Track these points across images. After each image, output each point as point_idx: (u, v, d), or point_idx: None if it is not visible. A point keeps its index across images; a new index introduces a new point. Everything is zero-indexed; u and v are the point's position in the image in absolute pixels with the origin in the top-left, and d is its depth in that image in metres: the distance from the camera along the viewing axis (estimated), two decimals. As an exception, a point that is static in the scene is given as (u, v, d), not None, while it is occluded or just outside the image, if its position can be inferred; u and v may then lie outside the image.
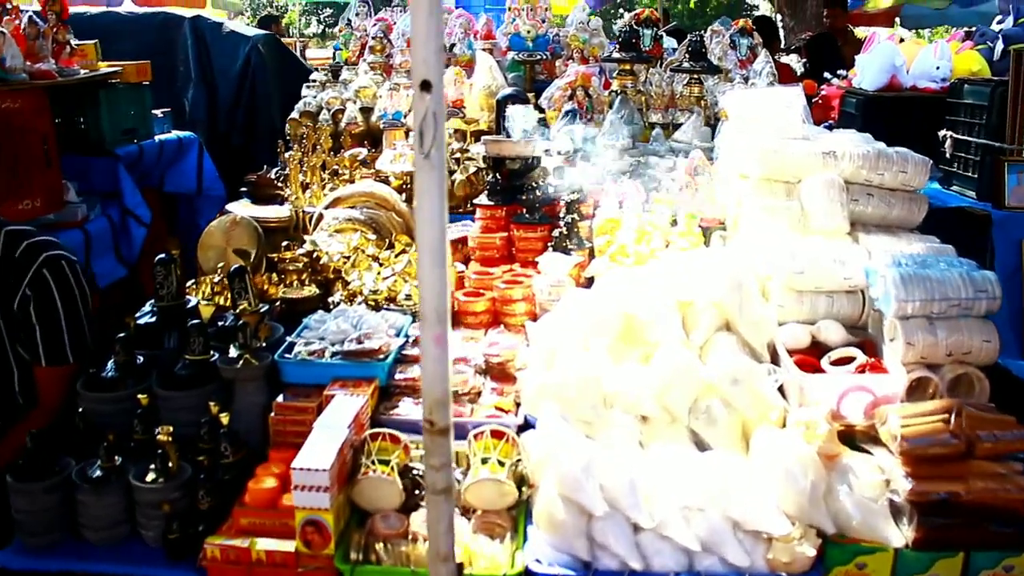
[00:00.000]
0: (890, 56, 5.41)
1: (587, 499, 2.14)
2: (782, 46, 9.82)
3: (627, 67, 4.71)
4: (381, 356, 2.79)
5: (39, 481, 2.43)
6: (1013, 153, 4.11)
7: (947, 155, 4.55)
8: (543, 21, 5.02)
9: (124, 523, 2.49)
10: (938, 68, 5.11)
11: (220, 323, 3.07)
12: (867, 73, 5.48)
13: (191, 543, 2.36)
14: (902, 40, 5.81)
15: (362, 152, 4.36)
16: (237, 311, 2.84)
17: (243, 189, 4.08)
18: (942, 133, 4.59)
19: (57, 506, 2.45)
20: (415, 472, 2.47)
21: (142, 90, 5.29)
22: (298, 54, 7.39)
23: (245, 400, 2.74)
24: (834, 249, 2.75)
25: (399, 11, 6.01)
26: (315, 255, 3.48)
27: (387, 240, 3.66)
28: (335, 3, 18.01)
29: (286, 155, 4.04)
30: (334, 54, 6.54)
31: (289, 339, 2.92)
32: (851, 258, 2.72)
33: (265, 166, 4.27)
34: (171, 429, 2.48)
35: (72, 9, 6.33)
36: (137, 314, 3.10)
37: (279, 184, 4.05)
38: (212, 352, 2.82)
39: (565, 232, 3.35)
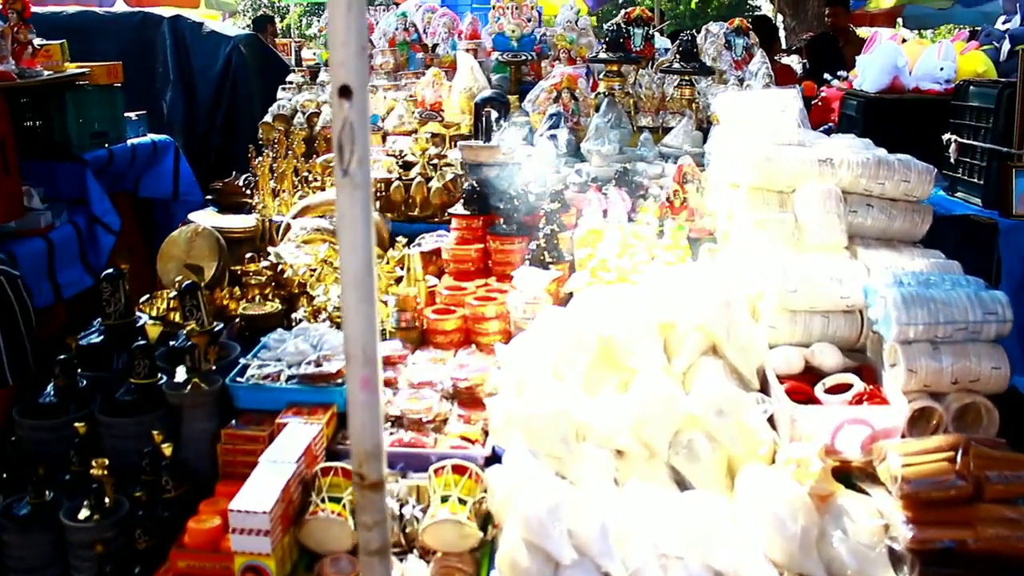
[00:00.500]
0: (892, 57, 5.22)
1: (553, 546, 1.94)
2: (783, 47, 9.61)
3: (615, 68, 4.49)
4: (339, 380, 2.58)
5: (-42, 520, 2.24)
6: (1021, 159, 3.90)
7: (951, 160, 4.35)
8: (529, 20, 4.81)
9: (54, 565, 2.30)
10: (942, 69, 4.91)
11: (172, 343, 2.86)
12: (868, 74, 5.29)
13: (126, 588, 2.16)
14: (905, 40, 5.58)
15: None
16: (185, 331, 2.63)
17: (208, 197, 3.87)
18: (946, 137, 4.39)
19: (-21, 547, 2.26)
20: (371, 510, 2.25)
21: (113, 92, 5.08)
22: (294, 55, 7.19)
23: (193, 428, 2.55)
24: (830, 266, 2.54)
25: (381, 10, 5.81)
26: (279, 268, 3.27)
27: (357, 251, 3.45)
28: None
29: (256, 161, 3.84)
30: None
31: (243, 360, 2.71)
32: (849, 276, 2.51)
33: (234, 172, 4.07)
34: (106, 462, 2.29)
35: (47, 8, 6.17)
36: (83, 333, 2.89)
37: (247, 192, 3.84)
38: (160, 375, 2.63)
39: (544, 244, 3.14)
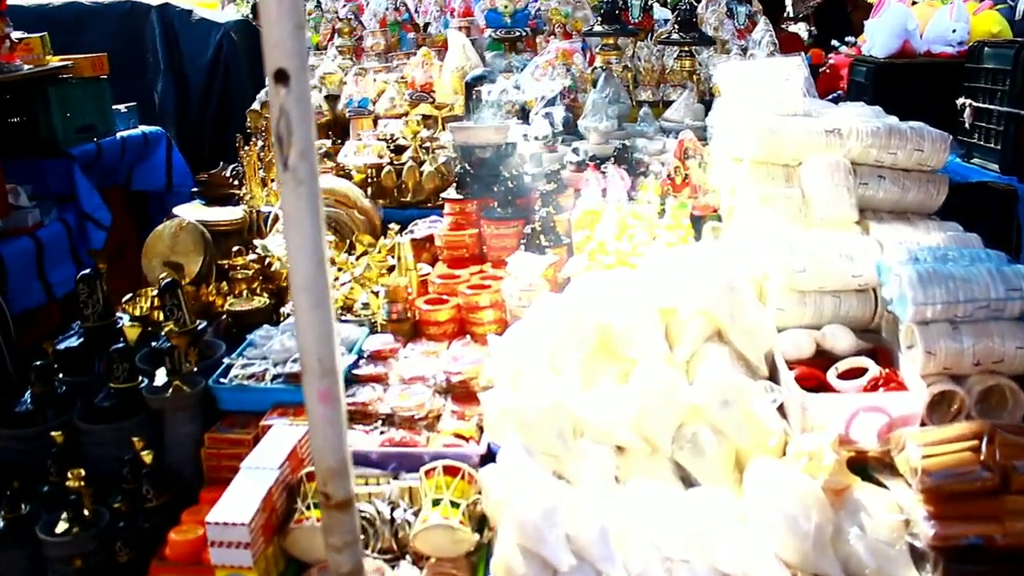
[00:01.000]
0: (902, 19, 5.04)
1: (550, 551, 1.82)
2: (789, 14, 9.39)
3: (611, 41, 4.32)
4: (326, 379, 2.46)
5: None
6: (1040, 121, 3.74)
7: (966, 125, 4.20)
8: (523, -6, 4.65)
9: (31, 582, 2.19)
10: (954, 31, 4.73)
11: (155, 343, 2.75)
12: (877, 39, 5.12)
13: (107, 604, 2.06)
14: (915, 2, 5.39)
15: (324, 144, 4.02)
16: (164, 332, 2.52)
17: (194, 189, 3.75)
18: (960, 101, 4.23)
19: (-47, 564, 2.16)
20: (362, 515, 2.14)
21: (100, 84, 4.96)
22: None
23: (176, 432, 2.44)
24: (840, 242, 2.39)
25: (372, -10, 5.65)
26: (267, 261, 3.15)
27: (348, 241, 3.33)
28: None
29: (244, 150, 3.70)
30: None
31: (227, 360, 2.60)
32: (860, 252, 2.36)
33: (221, 163, 3.93)
34: (82, 473, 2.18)
35: (31, 0, 6.03)
36: (61, 337, 2.78)
37: (234, 183, 3.71)
38: (140, 379, 2.52)
39: (540, 228, 3.00)
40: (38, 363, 2.52)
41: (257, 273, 3.12)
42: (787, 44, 5.73)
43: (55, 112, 4.55)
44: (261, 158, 3.79)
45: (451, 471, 2.10)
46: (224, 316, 3.01)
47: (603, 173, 3.32)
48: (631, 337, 2.26)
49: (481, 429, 2.35)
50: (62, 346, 2.70)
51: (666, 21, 5.14)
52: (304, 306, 1.20)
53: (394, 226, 3.22)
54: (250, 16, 7.12)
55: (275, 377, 2.51)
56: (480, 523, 2.10)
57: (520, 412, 2.09)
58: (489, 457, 2.26)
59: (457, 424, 2.38)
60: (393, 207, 3.72)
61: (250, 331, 2.78)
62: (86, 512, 2.18)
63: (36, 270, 4.24)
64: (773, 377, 2.30)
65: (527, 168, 3.46)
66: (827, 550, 1.81)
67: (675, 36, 4.25)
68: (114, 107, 5.20)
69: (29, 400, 2.51)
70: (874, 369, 2.20)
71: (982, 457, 1.80)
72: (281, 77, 1.10)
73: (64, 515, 2.17)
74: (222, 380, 2.51)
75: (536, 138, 3.60)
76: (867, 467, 2.02)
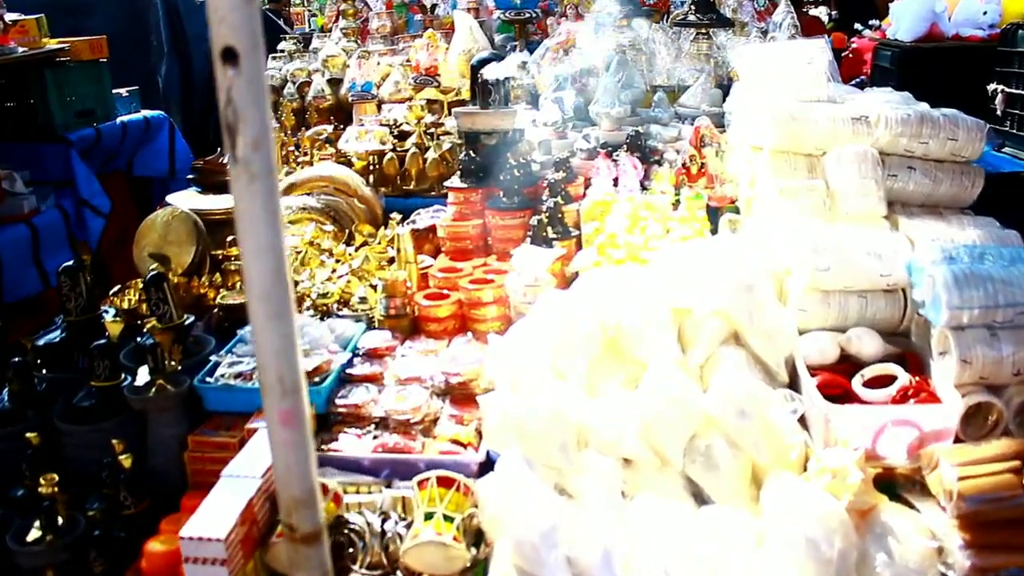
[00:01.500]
0: (929, 1, 4.84)
1: (549, 575, 1.67)
2: (809, -3, 9.15)
3: (625, 23, 4.14)
4: (317, 379, 2.32)
5: None
6: (1078, 109, 3.55)
7: (998, 113, 4.00)
8: (533, -26, 4.47)
9: (2, 593, 2.07)
10: (985, 13, 4.54)
11: (140, 339, 2.62)
12: (903, 22, 4.93)
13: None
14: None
15: (325, 130, 3.87)
16: (147, 328, 2.39)
17: (189, 176, 3.61)
18: (992, 87, 4.02)
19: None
20: (351, 527, 2.01)
21: (99, 67, 4.83)
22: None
23: (159, 434, 2.32)
24: (868, 239, 2.23)
25: (381, -30, 5.48)
26: (261, 252, 3.00)
27: (347, 231, 3.19)
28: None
29: (241, 135, 3.56)
30: (309, 21, 6.00)
31: (214, 358, 2.46)
32: (890, 250, 2.19)
33: (219, 148, 3.79)
34: (56, 478, 2.05)
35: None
36: (43, 331, 2.66)
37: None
38: (124, 376, 2.39)
39: (547, 219, 2.84)
40: (16, 360, 2.39)
41: (251, 264, 2.98)
42: (808, 27, 5.54)
43: (52, 96, 4.43)
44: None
45: (446, 482, 1.96)
46: (216, 310, 2.87)
47: (615, 161, 3.16)
48: (641, 338, 2.11)
49: (480, 435, 2.21)
50: (42, 341, 2.57)
51: (682, 2, 4.96)
52: (262, 316, 1.05)
53: (396, 215, 3.07)
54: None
55: (264, 377, 2.37)
56: (477, 537, 1.96)
57: (520, 421, 1.95)
58: (488, 465, 2.11)
59: (455, 429, 2.23)
60: (395, 195, 3.57)
61: (242, 326, 2.65)
62: (60, 519, 2.05)
63: (32, 257, 4.13)
64: (793, 384, 2.15)
65: (535, 156, 3.30)
66: (851, 577, 1.67)
67: (692, 18, 4.06)
68: (115, 91, 5.07)
69: (6, 398, 2.38)
70: (903, 377, 2.04)
71: (1024, 479, 1.64)
72: (229, 56, 0.96)
73: (37, 523, 2.04)
74: (208, 379, 2.38)
75: (545, 124, 3.44)
76: (895, 486, 1.86)
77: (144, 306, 2.81)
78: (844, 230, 2.29)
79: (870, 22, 5.81)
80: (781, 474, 1.85)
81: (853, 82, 4.95)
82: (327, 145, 3.70)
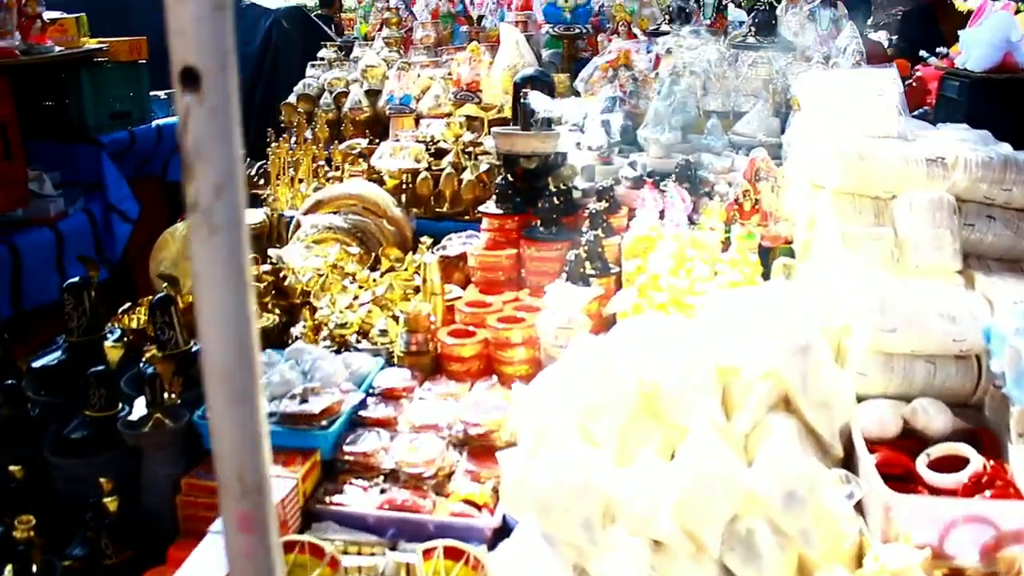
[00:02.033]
0: (1005, 29, 4.55)
1: (564, 675, 1.46)
2: (869, 22, 8.84)
3: (680, 43, 3.92)
4: (325, 422, 2.15)
5: None
6: None
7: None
8: (585, -12, 4.26)
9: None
10: (1067, 45, 4.22)
11: (142, 365, 2.46)
12: (974, 50, 4.63)
13: None
14: (1020, 11, 4.87)
15: (360, 144, 3.70)
16: (146, 357, 2.23)
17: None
18: (1073, 126, 3.71)
19: None
20: (349, 595, 1.82)
21: (137, 69, 4.74)
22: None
23: (153, 472, 2.16)
24: (941, 298, 1.99)
25: (427, -21, 5.32)
26: (281, 273, 2.85)
27: (373, 255, 3.01)
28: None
29: (272, 146, 3.41)
30: (356, 29, 5.86)
31: (219, 391, 2.29)
32: (965, 312, 1.95)
33: (248, 159, 3.65)
34: (32, 521, 1.89)
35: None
36: (42, 352, 2.51)
37: (259, 182, 3.42)
38: (121, 406, 2.23)
39: (585, 253, 2.63)
40: (8, 383, 2.25)
41: (270, 287, 2.82)
42: (870, 53, 5.26)
43: (87, 96, 4.33)
44: (290, 156, 3.50)
45: (454, 554, 1.77)
46: (228, 334, 2.71)
47: (662, 192, 2.94)
48: (681, 400, 1.89)
49: (497, 494, 2.01)
50: (41, 362, 2.42)
51: (741, 23, 4.71)
52: (221, 401, 0.86)
53: (426, 239, 2.88)
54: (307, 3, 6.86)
55: (269, 416, 2.19)
56: (488, 616, 1.76)
57: (541, 490, 1.74)
58: (504, 531, 1.92)
59: (470, 487, 2.04)
60: (427, 218, 3.38)
61: (256, 353, 2.48)
62: (34, 567, 1.89)
63: (55, 263, 4.03)
64: (849, 458, 1.91)
65: (577, 181, 3.10)
66: None
67: (751, 40, 3.82)
68: (153, 93, 4.98)
69: (-6, 426, 2.24)
70: (976, 461, 1.80)
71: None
72: (189, 79, 0.77)
73: (7, 569, 1.89)
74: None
75: (590, 148, 3.23)
76: (967, 590, 1.63)
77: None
78: (914, 287, 2.05)
79: (937, 50, 5.50)
80: (832, 569, 1.62)
81: (916, 113, 4.67)
82: (360, 160, 3.53)
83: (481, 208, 3.00)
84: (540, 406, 2.00)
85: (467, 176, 3.33)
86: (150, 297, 2.80)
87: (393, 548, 1.92)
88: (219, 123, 0.79)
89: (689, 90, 3.68)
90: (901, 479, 1.81)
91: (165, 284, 2.52)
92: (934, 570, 1.56)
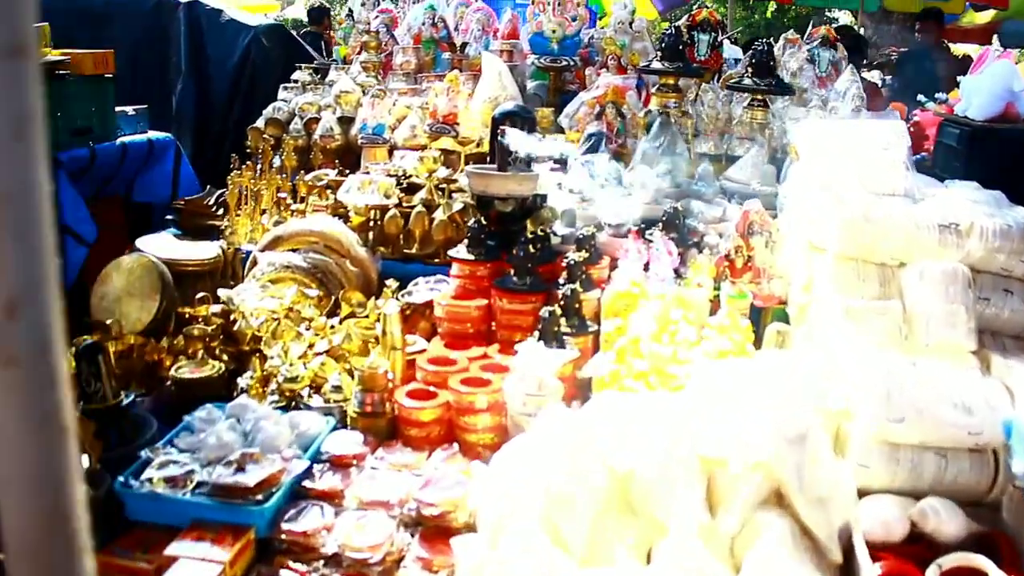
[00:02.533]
0: (1007, 79, 4.44)
1: None
2: (864, 62, 8.74)
3: (671, 81, 3.72)
4: (261, 496, 1.90)
5: None
6: None
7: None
8: (574, 19, 4.06)
9: None
10: (1071, 97, 4.08)
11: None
12: (975, 98, 4.52)
13: None
14: (1020, 60, 4.74)
15: (328, 174, 3.47)
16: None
17: (168, 217, 3.24)
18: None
19: None
20: None
21: (102, 83, 4.48)
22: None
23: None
24: (955, 385, 1.78)
25: (411, 2, 5.12)
26: (231, 316, 2.61)
27: (332, 298, 2.78)
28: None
29: (233, 174, 3.18)
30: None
31: (145, 453, 2.05)
32: (982, 401, 1.75)
33: (208, 187, 3.42)
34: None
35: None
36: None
37: (217, 212, 3.18)
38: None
39: (561, 309, 2.41)
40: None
41: (218, 330, 2.59)
42: (869, 96, 5.11)
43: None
44: (253, 185, 3.27)
45: (393, 668, 1.53)
46: (168, 383, 2.47)
47: (648, 242, 2.73)
48: (659, 493, 1.67)
49: (451, 588, 1.78)
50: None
51: (737, 62, 4.53)
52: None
53: (391, 283, 2.64)
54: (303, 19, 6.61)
55: (198, 485, 1.96)
56: None
57: (495, 596, 1.51)
58: (455, 634, 1.68)
59: (421, 578, 1.80)
60: (394, 258, 3.14)
61: (198, 405, 2.24)
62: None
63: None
64: (848, 563, 1.69)
65: (556, 227, 2.89)
66: None
67: (747, 80, 3.62)
68: (121, 108, 4.73)
69: None
70: (994, 573, 1.58)
71: None
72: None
73: None
74: (132, 482, 1.96)
75: (571, 191, 3.02)
76: None
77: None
78: (924, 371, 1.83)
79: (936, 95, 5.36)
80: None
81: (913, 158, 4.52)
82: (327, 192, 3.30)
83: (451, 252, 2.77)
84: (503, 489, 1.78)
85: (439, 215, 3.10)
86: (76, 343, 2.57)
87: (328, 650, 1.69)
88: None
89: (680, 130, 3.48)
90: (908, 594, 1.59)
91: (95, 334, 2.29)
92: None
